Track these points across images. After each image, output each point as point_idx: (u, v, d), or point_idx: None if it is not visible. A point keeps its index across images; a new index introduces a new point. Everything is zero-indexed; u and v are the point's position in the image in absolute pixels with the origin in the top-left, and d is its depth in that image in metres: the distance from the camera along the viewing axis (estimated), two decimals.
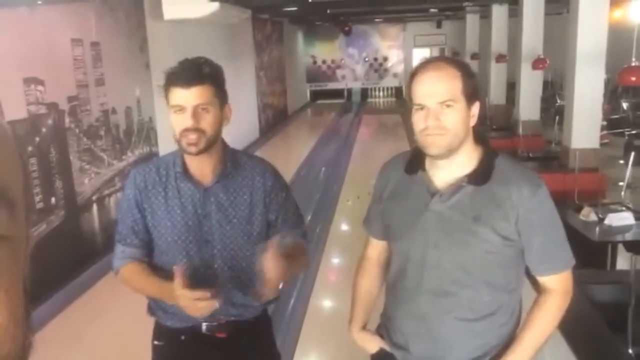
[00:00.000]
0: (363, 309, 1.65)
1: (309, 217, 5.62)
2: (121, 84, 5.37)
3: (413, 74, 1.40)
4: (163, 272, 1.60)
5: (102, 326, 3.60)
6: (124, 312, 3.29)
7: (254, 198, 1.64)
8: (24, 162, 0.46)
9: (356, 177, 7.54)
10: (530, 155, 6.88)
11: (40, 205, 4.01)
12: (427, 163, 1.45)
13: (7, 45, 3.79)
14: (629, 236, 3.79)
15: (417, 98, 1.37)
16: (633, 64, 4.77)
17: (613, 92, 10.80)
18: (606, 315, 2.88)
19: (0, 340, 0.38)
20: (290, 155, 9.95)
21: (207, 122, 1.53)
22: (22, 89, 3.89)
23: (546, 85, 11.05)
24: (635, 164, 6.49)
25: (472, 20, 13.65)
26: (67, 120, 4.42)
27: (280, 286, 1.49)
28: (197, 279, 1.52)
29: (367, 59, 18.61)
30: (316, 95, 18.60)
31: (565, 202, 4.40)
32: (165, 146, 5.73)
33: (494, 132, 8.96)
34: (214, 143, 1.58)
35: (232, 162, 1.65)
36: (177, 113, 1.52)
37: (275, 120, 12.87)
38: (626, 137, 8.39)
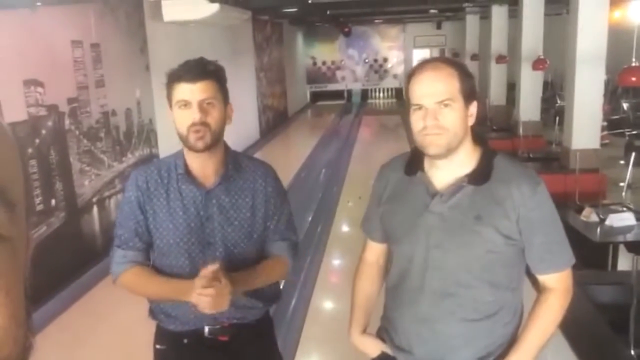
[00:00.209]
0: (363, 312, 1.64)
1: (309, 219, 5.62)
2: (121, 86, 5.38)
3: (411, 75, 1.41)
4: (164, 274, 1.60)
5: (103, 328, 3.60)
6: (124, 315, 3.29)
7: (255, 201, 1.64)
8: (24, 164, 0.46)
9: (357, 178, 7.54)
10: (531, 156, 6.88)
11: (40, 207, 4.01)
12: (426, 164, 1.45)
13: (7, 47, 3.79)
14: (630, 237, 3.78)
15: (415, 98, 1.37)
16: (633, 65, 4.77)
17: (613, 93, 10.80)
18: (608, 317, 2.87)
19: (1, 341, 0.38)
20: (290, 157, 9.95)
21: (213, 117, 1.53)
22: (22, 90, 3.89)
23: (546, 85, 11.05)
24: (635, 164, 6.51)
25: (472, 21, 13.65)
26: (67, 122, 4.42)
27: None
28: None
29: (367, 60, 18.62)
30: (316, 96, 18.61)
31: (566, 203, 4.40)
32: (165, 148, 5.74)
33: (495, 132, 8.95)
34: (218, 140, 1.58)
35: (233, 164, 1.65)
36: (183, 109, 1.52)
37: (275, 121, 12.88)
38: (626, 138, 8.38)
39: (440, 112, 1.34)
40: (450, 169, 1.41)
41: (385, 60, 18.63)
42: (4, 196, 0.39)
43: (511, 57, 10.04)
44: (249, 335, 1.67)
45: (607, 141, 8.09)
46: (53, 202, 4.17)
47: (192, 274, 1.57)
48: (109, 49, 5.11)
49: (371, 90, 18.76)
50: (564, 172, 5.61)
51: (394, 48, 18.53)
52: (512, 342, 1.46)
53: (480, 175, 1.40)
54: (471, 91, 1.39)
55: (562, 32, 6.84)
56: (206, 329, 1.64)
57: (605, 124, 8.08)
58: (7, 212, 0.39)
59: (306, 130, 14.41)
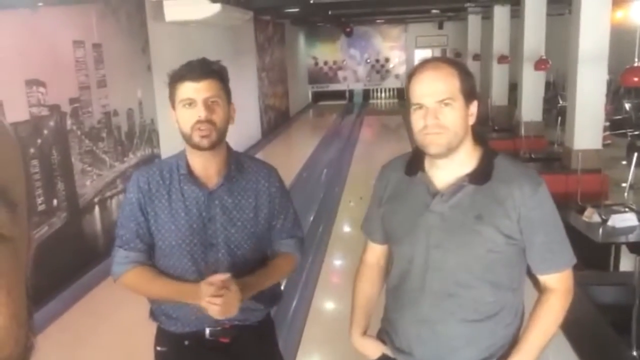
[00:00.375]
0: (363, 314, 1.64)
1: (311, 219, 5.62)
2: (123, 86, 5.38)
3: (411, 74, 1.41)
4: (167, 275, 1.60)
5: (104, 329, 3.60)
6: (126, 315, 3.29)
7: (258, 201, 1.64)
8: (26, 164, 0.46)
9: (358, 179, 7.54)
10: (533, 156, 6.87)
11: (42, 207, 4.01)
12: (427, 163, 1.45)
13: (9, 47, 3.80)
14: (632, 237, 3.77)
15: (415, 97, 1.37)
16: (636, 65, 4.76)
17: (615, 93, 10.78)
18: (610, 317, 2.87)
19: (3, 341, 0.38)
20: (292, 157, 9.95)
21: (218, 115, 1.53)
22: (24, 90, 3.89)
23: (548, 86, 11.04)
24: (638, 164, 6.49)
25: (473, 21, 13.64)
26: (68, 122, 4.43)
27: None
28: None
29: (368, 60, 18.61)
30: (318, 96, 18.61)
31: (567, 204, 4.39)
32: (167, 148, 5.74)
33: (496, 133, 8.94)
34: (222, 139, 1.58)
35: (236, 164, 1.65)
36: (187, 107, 1.52)
37: (277, 121, 12.88)
38: (629, 138, 8.36)
39: (440, 111, 1.34)
40: (450, 168, 1.41)
41: (387, 60, 18.63)
42: (6, 196, 0.39)
43: (513, 57, 10.03)
44: (250, 336, 1.67)
45: (609, 141, 8.07)
46: (55, 202, 4.18)
47: (195, 276, 1.57)
48: (111, 49, 5.11)
49: (373, 90, 18.75)
50: (566, 173, 5.60)
51: (396, 48, 18.52)
52: (513, 343, 1.45)
53: (481, 175, 1.39)
54: (471, 91, 1.39)
55: (564, 32, 6.84)
56: (207, 330, 1.63)
57: (607, 124, 8.07)
58: (9, 212, 0.39)
59: (308, 130, 14.41)
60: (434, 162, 1.42)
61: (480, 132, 1.50)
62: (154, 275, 1.61)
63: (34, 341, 0.42)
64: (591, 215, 3.95)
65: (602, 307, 2.97)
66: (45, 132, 4.10)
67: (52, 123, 4.18)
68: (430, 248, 1.41)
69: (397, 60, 18.57)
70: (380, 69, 18.70)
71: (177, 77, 1.53)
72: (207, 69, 1.53)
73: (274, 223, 1.67)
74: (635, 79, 4.80)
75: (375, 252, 1.65)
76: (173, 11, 6.04)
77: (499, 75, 10.91)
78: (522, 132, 7.45)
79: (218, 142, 1.55)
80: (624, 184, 6.28)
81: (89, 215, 4.69)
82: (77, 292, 4.05)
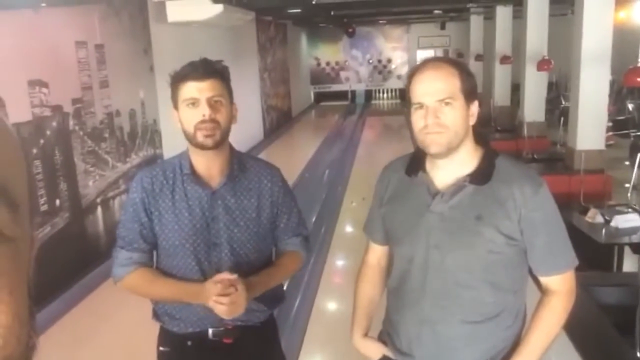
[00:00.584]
0: (365, 315, 1.64)
1: (313, 219, 5.62)
2: (125, 87, 5.39)
3: (412, 74, 1.41)
4: (170, 276, 1.60)
5: (106, 329, 3.60)
6: (128, 315, 3.29)
7: (261, 201, 1.64)
8: (29, 164, 0.45)
9: (360, 179, 7.53)
10: (535, 156, 6.86)
11: (44, 208, 4.02)
12: (428, 164, 1.45)
13: (11, 48, 3.81)
14: (635, 238, 3.77)
15: (416, 97, 1.37)
16: (639, 65, 4.75)
17: (618, 93, 10.76)
18: (613, 318, 2.86)
19: (5, 340, 0.38)
20: (294, 157, 9.95)
21: (222, 114, 1.53)
22: (26, 91, 3.90)
23: (551, 86, 11.01)
24: None
25: (476, 22, 13.62)
26: (71, 122, 4.43)
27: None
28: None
29: (371, 61, 18.60)
30: (320, 97, 18.60)
31: (570, 204, 4.39)
32: (170, 149, 5.74)
33: (499, 133, 8.94)
34: (225, 139, 1.58)
35: (238, 164, 1.65)
36: (190, 107, 1.52)
37: (279, 122, 12.88)
38: (632, 138, 8.34)
39: (441, 111, 1.34)
40: (451, 168, 1.41)
41: (389, 60, 18.61)
42: (8, 196, 0.39)
43: (515, 58, 10.01)
44: (253, 337, 1.67)
45: (612, 142, 8.05)
46: (57, 202, 4.18)
47: (198, 275, 1.57)
48: (113, 49, 5.12)
49: (375, 90, 18.74)
50: (569, 173, 5.60)
51: (398, 49, 18.51)
52: (514, 346, 1.44)
53: (481, 175, 1.39)
54: (472, 90, 1.39)
55: (567, 33, 6.82)
56: (210, 331, 1.63)
57: (610, 124, 8.04)
58: (11, 212, 0.39)
59: (310, 130, 14.40)
60: (435, 162, 1.42)
61: (481, 133, 1.50)
62: (157, 277, 1.61)
63: (36, 341, 0.42)
64: (594, 216, 3.95)
65: (605, 308, 2.96)
66: (48, 132, 4.11)
67: (54, 123, 4.19)
68: (430, 248, 1.41)
69: (399, 61, 18.54)
70: (382, 69, 18.68)
71: (179, 77, 1.53)
72: (210, 69, 1.53)
73: (278, 222, 1.68)
74: (638, 79, 4.79)
75: (377, 253, 1.65)
76: (175, 12, 6.05)
77: (501, 75, 10.90)
78: (525, 132, 7.44)
79: (221, 142, 1.56)
80: (627, 185, 6.26)
81: (92, 216, 4.70)
82: (79, 292, 4.05)
